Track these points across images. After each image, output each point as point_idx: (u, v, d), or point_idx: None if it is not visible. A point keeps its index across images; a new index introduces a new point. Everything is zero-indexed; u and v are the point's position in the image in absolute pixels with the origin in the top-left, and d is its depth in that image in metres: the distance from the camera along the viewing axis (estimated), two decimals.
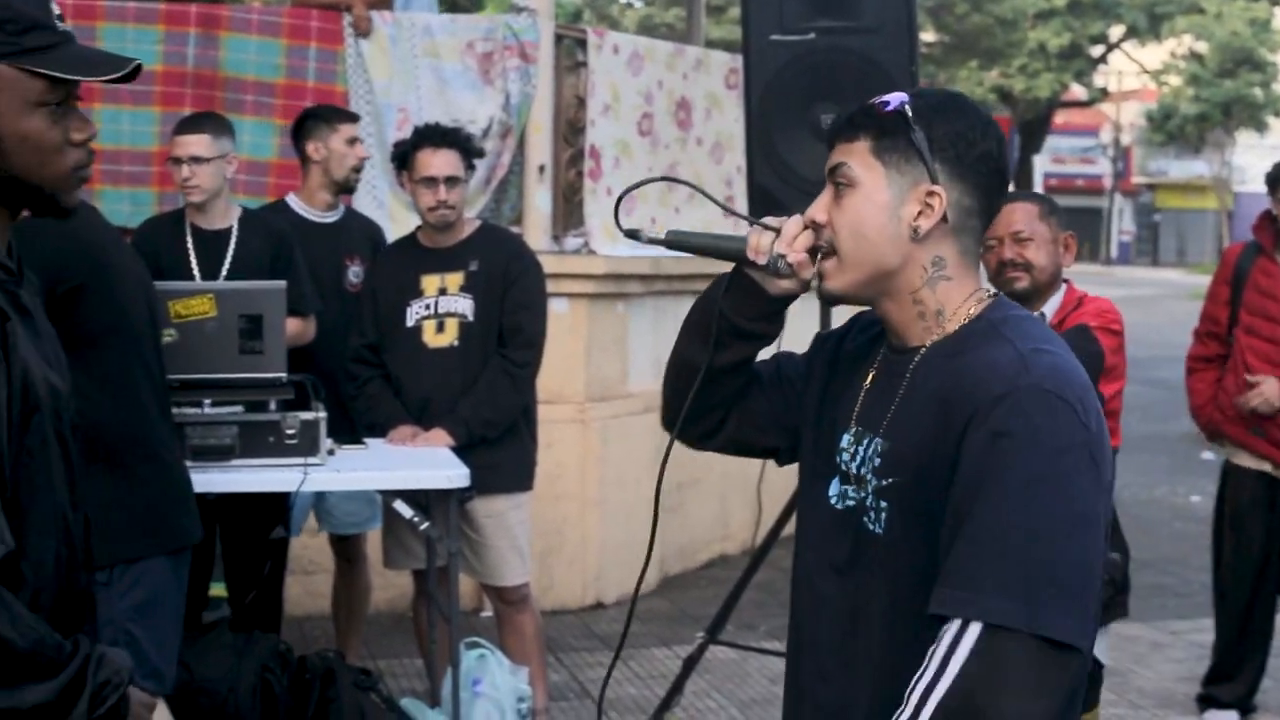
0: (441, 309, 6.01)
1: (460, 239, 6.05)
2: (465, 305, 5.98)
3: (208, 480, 5.07)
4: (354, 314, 6.26)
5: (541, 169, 8.39)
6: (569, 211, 8.69)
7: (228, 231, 6.09)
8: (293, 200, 6.56)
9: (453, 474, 5.50)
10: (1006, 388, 2.31)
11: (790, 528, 6.20)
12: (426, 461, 5.65)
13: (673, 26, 36.15)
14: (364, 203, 7.89)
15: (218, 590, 6.54)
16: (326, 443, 5.44)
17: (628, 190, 2.80)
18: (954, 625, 2.25)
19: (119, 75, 2.53)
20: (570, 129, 8.68)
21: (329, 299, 6.35)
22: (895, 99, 2.49)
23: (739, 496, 9.18)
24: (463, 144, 5.99)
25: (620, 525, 8.50)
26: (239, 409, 5.45)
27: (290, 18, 8.18)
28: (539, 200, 8.39)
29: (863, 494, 2.51)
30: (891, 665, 2.41)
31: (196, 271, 5.99)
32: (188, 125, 6.06)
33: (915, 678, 2.28)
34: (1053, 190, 53.87)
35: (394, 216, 7.74)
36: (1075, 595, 2.26)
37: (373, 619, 7.46)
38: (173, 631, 4.48)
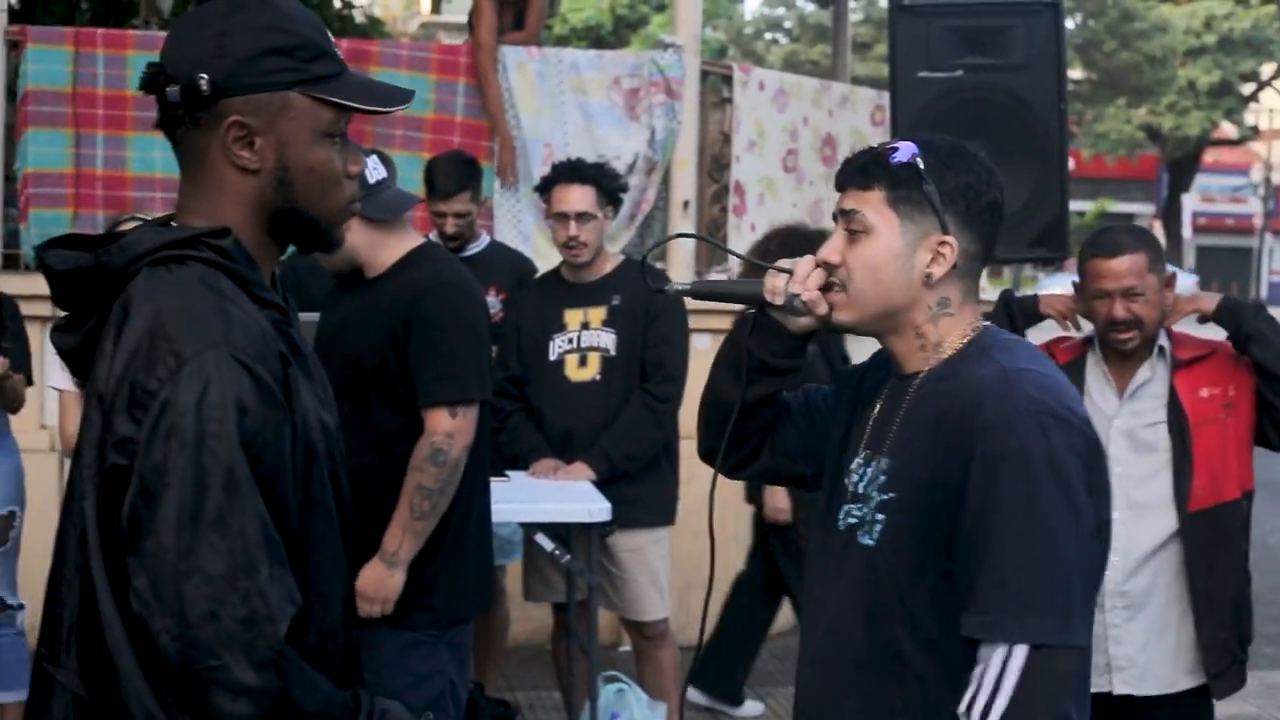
0: (584, 343, 6.03)
1: (603, 274, 6.08)
2: (608, 340, 6.00)
3: None
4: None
5: (686, 205, 8.40)
6: (713, 247, 8.69)
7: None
8: (436, 235, 6.64)
9: (594, 508, 5.51)
10: (997, 412, 2.52)
11: None
12: (568, 495, 5.67)
13: (818, 63, 36.15)
14: (509, 236, 7.95)
15: None
16: None
17: (655, 245, 3.03)
18: (1000, 650, 2.47)
19: (402, 106, 2.49)
20: (715, 165, 8.69)
21: None
22: (906, 150, 2.68)
23: None
24: (599, 180, 6.01)
25: None
26: None
27: (439, 53, 8.27)
28: None
29: (864, 510, 2.70)
30: (871, 666, 2.64)
31: None
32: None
33: (968, 700, 2.49)
34: (1202, 230, 53.19)
35: (538, 251, 7.80)
36: (1088, 602, 2.54)
37: (511, 651, 7.48)
38: None
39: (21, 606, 6.05)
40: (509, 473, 5.92)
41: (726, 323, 8.19)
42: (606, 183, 6.03)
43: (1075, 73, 38.12)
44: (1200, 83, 40.24)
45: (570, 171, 6.03)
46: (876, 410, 2.78)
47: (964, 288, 2.70)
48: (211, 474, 2.16)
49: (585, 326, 6.04)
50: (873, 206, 2.67)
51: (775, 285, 2.77)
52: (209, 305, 2.25)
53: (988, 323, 2.76)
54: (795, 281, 2.74)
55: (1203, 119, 40.99)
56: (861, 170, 2.70)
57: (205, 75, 2.31)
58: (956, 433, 2.55)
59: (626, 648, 7.30)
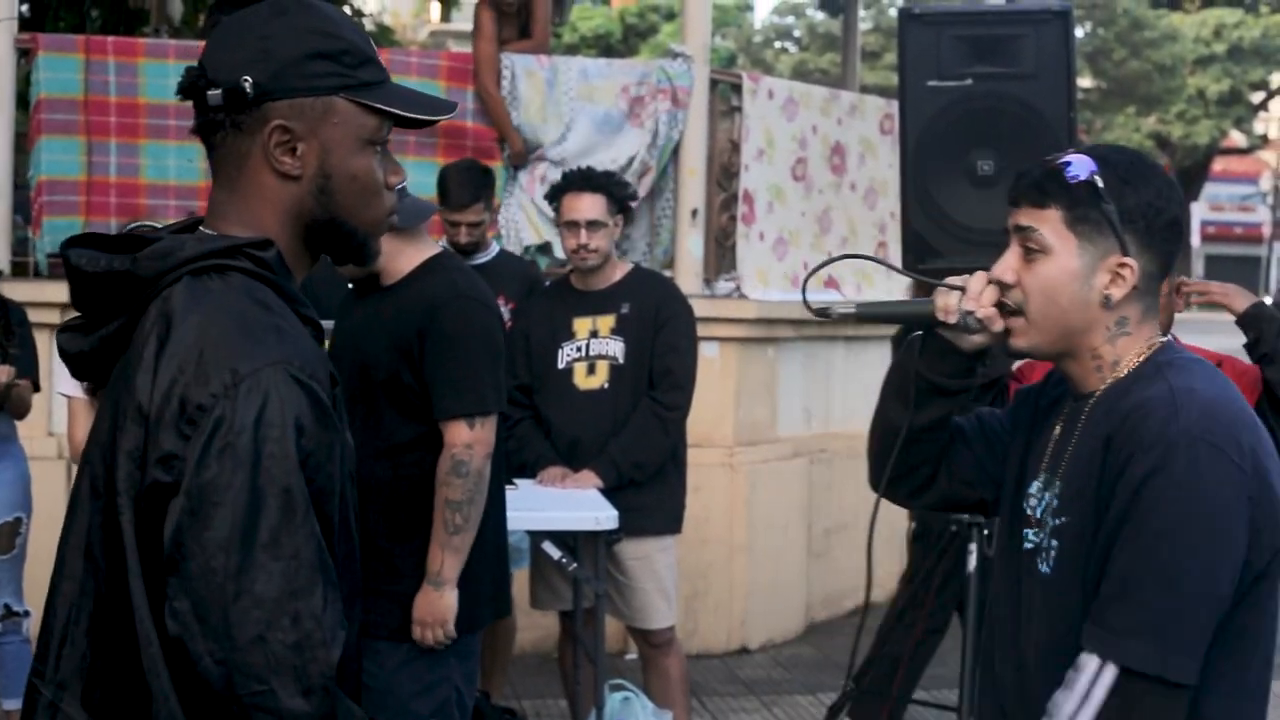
0: (593, 351, 6.03)
1: (612, 282, 6.07)
2: (616, 348, 6.00)
3: None
4: None
5: (694, 213, 8.40)
6: (721, 255, 8.69)
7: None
8: (445, 242, 6.64)
9: (601, 516, 5.51)
10: (1155, 435, 2.44)
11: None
12: (575, 503, 5.67)
13: (827, 72, 36.16)
14: (518, 224, 8.02)
15: None
16: None
17: (814, 271, 2.94)
18: (1094, 661, 2.44)
19: (446, 116, 2.44)
20: (724, 173, 8.69)
21: None
22: (1084, 168, 2.58)
23: (887, 545, 9.08)
24: (609, 188, 6.02)
25: (767, 570, 8.46)
26: None
27: (449, 61, 8.29)
28: (691, 244, 8.39)
29: (1040, 536, 2.65)
30: (1046, 703, 2.53)
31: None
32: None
33: (1059, 697, 2.47)
34: (1210, 239, 53.11)
35: (531, 221, 7.89)
36: (1200, 639, 2.44)
37: (518, 659, 7.47)
38: None
39: (28, 613, 6.06)
40: (516, 480, 5.91)
41: (736, 331, 8.19)
42: (616, 191, 6.04)
43: (1084, 81, 38.10)
44: (1209, 91, 40.25)
45: (581, 179, 6.04)
46: (1056, 433, 2.71)
47: (1143, 306, 2.62)
48: (268, 494, 2.08)
49: (594, 335, 6.04)
50: (1050, 226, 2.59)
51: (948, 303, 2.70)
52: (261, 320, 2.18)
53: (1168, 338, 2.69)
54: (969, 299, 2.68)
55: (1212, 128, 40.99)
56: (1037, 187, 2.62)
57: (249, 78, 2.25)
58: (1119, 454, 2.48)
59: (633, 656, 7.29)
